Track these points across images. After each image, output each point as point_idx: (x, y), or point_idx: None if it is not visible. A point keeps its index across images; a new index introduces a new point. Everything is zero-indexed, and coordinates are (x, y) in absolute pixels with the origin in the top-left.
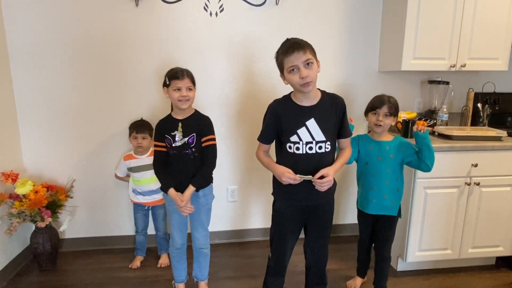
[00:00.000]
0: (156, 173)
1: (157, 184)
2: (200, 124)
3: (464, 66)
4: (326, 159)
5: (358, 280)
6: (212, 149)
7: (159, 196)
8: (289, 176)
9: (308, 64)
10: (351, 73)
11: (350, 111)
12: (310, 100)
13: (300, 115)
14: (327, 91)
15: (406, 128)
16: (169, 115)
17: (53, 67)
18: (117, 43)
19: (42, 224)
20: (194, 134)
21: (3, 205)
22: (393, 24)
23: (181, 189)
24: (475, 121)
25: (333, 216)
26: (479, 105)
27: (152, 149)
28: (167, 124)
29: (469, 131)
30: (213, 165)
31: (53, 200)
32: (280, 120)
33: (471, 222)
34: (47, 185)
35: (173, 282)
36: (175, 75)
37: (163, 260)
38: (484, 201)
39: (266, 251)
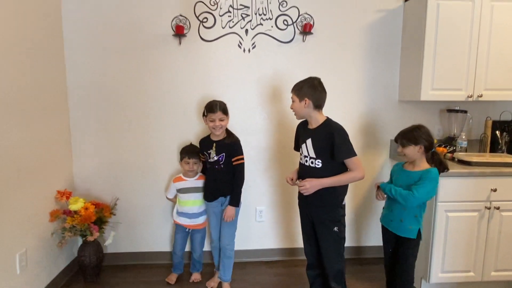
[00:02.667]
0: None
1: (200, 208)
2: (230, 146)
3: (480, 96)
4: (317, 173)
5: None
6: (241, 168)
7: (200, 220)
8: (286, 178)
9: (292, 101)
10: (373, 103)
11: (372, 139)
12: (312, 124)
13: (304, 134)
14: (350, 118)
15: None
16: (208, 136)
17: (105, 97)
18: (164, 76)
19: (91, 238)
20: (224, 153)
21: (56, 220)
22: (412, 58)
23: (213, 194)
24: (494, 148)
25: (334, 228)
26: (497, 132)
27: (199, 174)
28: (206, 143)
29: (488, 157)
30: (242, 182)
31: (99, 216)
32: (298, 135)
33: (493, 245)
34: (95, 202)
35: (215, 269)
36: (210, 109)
37: (195, 276)
38: (505, 225)
39: (292, 270)
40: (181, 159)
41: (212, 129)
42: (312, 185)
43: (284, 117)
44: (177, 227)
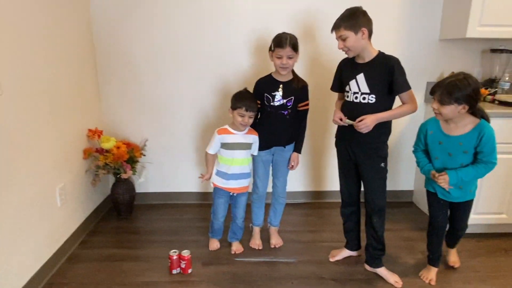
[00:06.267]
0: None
1: (249, 167)
2: (299, 90)
3: None
4: (369, 109)
5: (434, 271)
6: (307, 113)
7: (247, 182)
8: (334, 118)
9: (342, 39)
10: (411, 42)
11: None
12: (363, 59)
13: (353, 70)
14: None
15: None
16: (270, 75)
17: (129, 38)
18: (188, 11)
19: (125, 176)
20: (293, 97)
21: (89, 158)
22: None
23: (268, 143)
24: None
25: (381, 164)
26: None
27: (248, 128)
28: (268, 84)
29: None
30: (306, 128)
31: (130, 156)
32: (341, 73)
33: None
34: (126, 142)
35: (250, 225)
36: (279, 43)
37: (237, 247)
38: None
39: (319, 211)
40: (235, 108)
41: (278, 67)
42: (372, 120)
43: (316, 58)
44: (218, 191)
